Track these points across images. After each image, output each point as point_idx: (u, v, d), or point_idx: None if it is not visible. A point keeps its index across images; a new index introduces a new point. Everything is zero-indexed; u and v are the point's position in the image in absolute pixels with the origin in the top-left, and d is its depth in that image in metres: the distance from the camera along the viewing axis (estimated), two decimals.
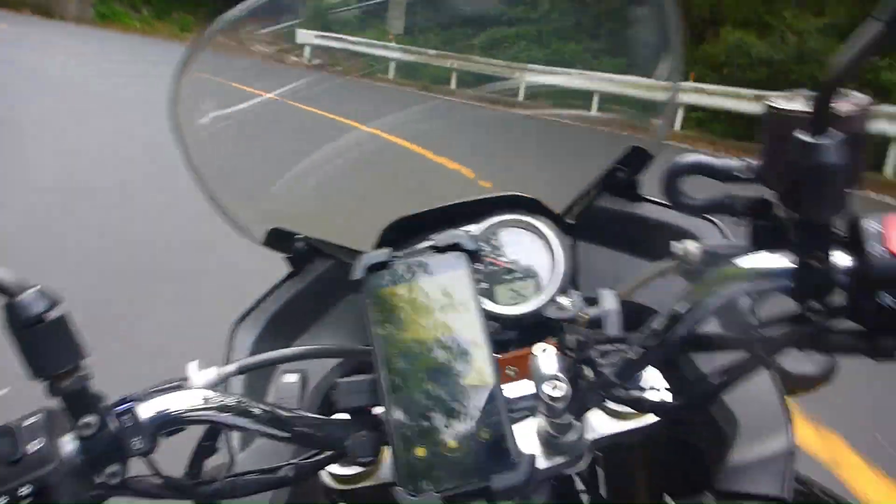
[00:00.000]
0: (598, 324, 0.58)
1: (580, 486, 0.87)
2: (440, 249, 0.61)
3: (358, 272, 0.61)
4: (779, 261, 0.54)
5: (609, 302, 0.59)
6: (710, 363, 0.74)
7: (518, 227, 0.93)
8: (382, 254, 0.61)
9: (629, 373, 0.59)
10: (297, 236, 0.93)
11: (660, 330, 0.57)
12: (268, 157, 0.99)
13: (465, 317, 0.59)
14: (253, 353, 0.90)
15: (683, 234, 0.88)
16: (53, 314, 0.50)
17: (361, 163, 1.02)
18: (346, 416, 0.61)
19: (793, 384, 0.78)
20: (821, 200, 0.51)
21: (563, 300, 0.58)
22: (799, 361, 0.86)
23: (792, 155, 0.51)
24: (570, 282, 0.91)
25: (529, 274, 0.92)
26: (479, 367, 0.57)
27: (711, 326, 0.63)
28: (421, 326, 0.59)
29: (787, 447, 0.67)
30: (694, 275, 0.67)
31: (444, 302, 0.59)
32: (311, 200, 1.02)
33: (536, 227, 0.92)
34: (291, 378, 0.87)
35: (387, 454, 0.73)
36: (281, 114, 0.94)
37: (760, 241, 0.60)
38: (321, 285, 0.95)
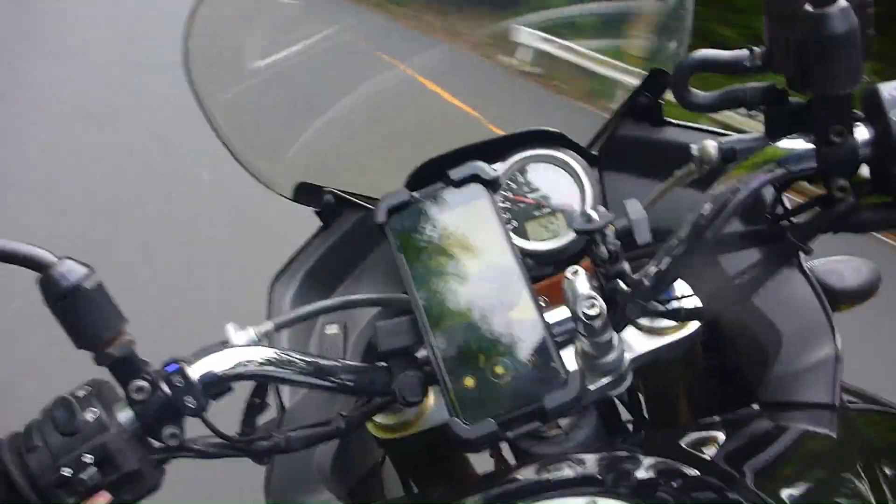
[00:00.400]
0: (627, 234, 0.58)
1: (623, 413, 0.88)
2: (458, 183, 0.61)
3: (379, 216, 0.61)
4: (799, 144, 0.54)
5: (635, 210, 0.58)
6: (736, 265, 0.74)
7: (544, 162, 0.93)
8: (401, 194, 0.62)
9: (663, 282, 0.59)
10: (325, 189, 0.93)
11: (687, 235, 0.57)
12: (291, 109, 0.99)
13: (494, 245, 0.59)
14: (293, 309, 0.92)
15: None
16: (89, 283, 0.50)
17: (382, 110, 1.02)
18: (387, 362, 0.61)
19: (835, 299, 0.77)
20: (835, 73, 0.50)
21: (591, 212, 0.58)
22: (841, 276, 0.85)
23: (799, 32, 0.50)
24: None
25: (558, 208, 0.92)
26: (515, 293, 0.58)
27: (735, 226, 0.63)
28: (451, 261, 0.59)
29: (832, 354, 0.67)
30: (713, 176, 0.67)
31: (471, 234, 0.60)
32: (336, 152, 1.02)
33: (563, 161, 0.92)
34: (332, 329, 0.88)
35: (431, 400, 0.75)
36: (300, 65, 0.93)
37: (777, 130, 0.59)
38: (353, 237, 0.96)
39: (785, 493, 0.52)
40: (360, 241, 0.96)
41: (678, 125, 0.91)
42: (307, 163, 0.96)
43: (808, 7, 0.49)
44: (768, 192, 0.63)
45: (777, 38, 0.56)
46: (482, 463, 0.83)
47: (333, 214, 0.96)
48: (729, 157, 0.62)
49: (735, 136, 0.62)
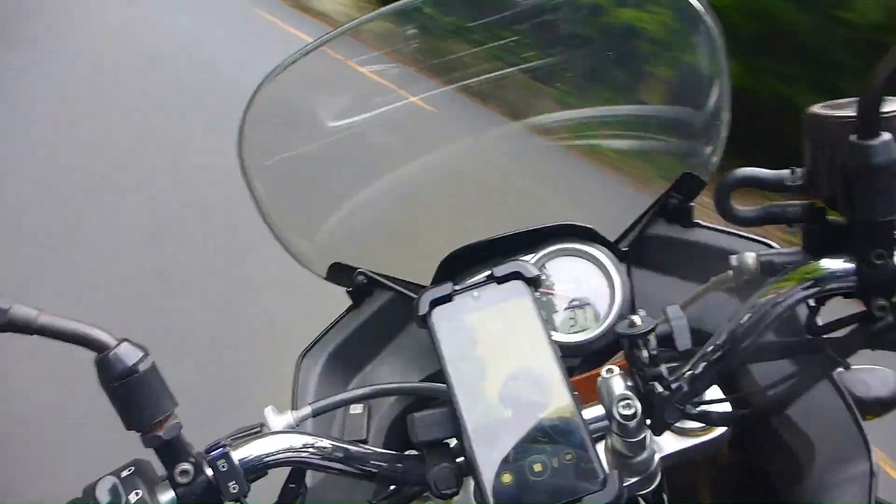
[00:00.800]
0: (668, 340, 0.58)
1: None
2: (501, 279, 0.62)
3: (422, 308, 0.62)
4: (838, 263, 0.55)
5: (677, 316, 0.59)
6: (769, 374, 0.75)
7: (573, 256, 0.95)
8: (444, 288, 0.63)
9: (699, 387, 0.59)
10: (357, 270, 0.95)
11: (724, 342, 0.58)
12: (328, 191, 1.02)
13: (534, 343, 0.60)
14: (319, 386, 0.92)
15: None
16: (144, 366, 0.51)
17: (417, 196, 1.05)
18: (417, 450, 0.61)
19: (865, 409, 0.77)
20: (876, 201, 0.52)
21: (634, 317, 0.59)
22: (867, 385, 0.85)
23: (842, 159, 0.52)
24: (630, 308, 0.92)
25: (586, 302, 0.93)
26: (554, 391, 0.58)
27: (769, 336, 0.64)
28: (492, 356, 0.60)
29: (867, 469, 0.67)
30: (750, 287, 0.68)
31: (511, 330, 0.60)
32: (370, 234, 1.04)
33: (593, 255, 0.94)
34: (357, 409, 0.88)
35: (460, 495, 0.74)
36: (343, 148, 0.96)
37: (815, 248, 0.61)
38: (382, 318, 0.97)
39: None
40: (388, 322, 0.97)
41: (710, 228, 0.93)
42: (341, 243, 0.99)
43: (853, 138, 0.51)
44: (803, 309, 0.64)
45: (819, 161, 0.59)
46: None
47: (364, 294, 0.97)
48: (767, 270, 0.63)
49: (774, 249, 0.64)
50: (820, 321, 0.63)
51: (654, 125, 1.04)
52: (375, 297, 0.98)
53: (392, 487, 0.67)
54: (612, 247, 0.95)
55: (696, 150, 0.96)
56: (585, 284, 0.94)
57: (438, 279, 0.96)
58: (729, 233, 0.91)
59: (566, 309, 0.92)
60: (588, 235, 0.95)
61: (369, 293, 0.97)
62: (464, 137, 1.05)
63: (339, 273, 0.95)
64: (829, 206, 0.58)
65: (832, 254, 0.57)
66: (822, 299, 0.60)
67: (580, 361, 0.89)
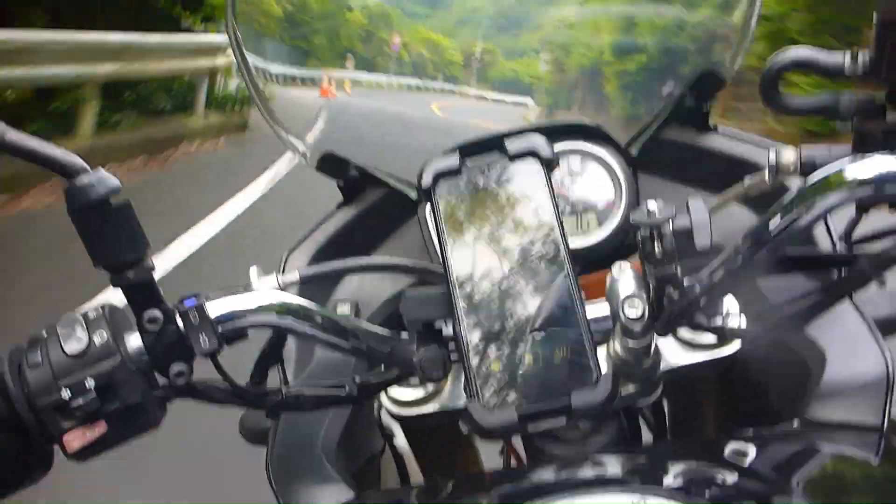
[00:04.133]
0: (686, 235, 0.53)
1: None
2: (515, 156, 0.58)
3: (426, 179, 0.58)
4: (891, 164, 0.48)
5: (698, 210, 0.53)
6: (790, 288, 0.71)
7: (579, 156, 0.90)
8: (451, 159, 0.58)
9: (714, 295, 0.55)
10: (351, 163, 0.90)
11: (748, 247, 0.53)
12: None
13: (543, 229, 0.56)
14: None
15: (752, 167, 0.83)
16: (117, 199, 0.47)
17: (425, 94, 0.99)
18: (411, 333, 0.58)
19: (890, 328, 0.73)
20: None
21: (651, 204, 0.53)
22: (875, 305, 0.81)
23: None
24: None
25: (592, 205, 0.88)
26: (559, 282, 0.54)
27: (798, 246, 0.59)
28: (496, 238, 0.56)
29: (882, 375, 0.63)
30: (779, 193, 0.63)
31: (522, 213, 0.56)
32: (367, 126, 0.99)
33: (600, 157, 0.88)
34: (344, 308, 0.85)
35: (449, 382, 0.71)
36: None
37: (867, 149, 0.54)
38: (374, 214, 0.93)
39: None
40: (381, 219, 0.93)
41: (728, 134, 0.88)
42: (336, 133, 0.93)
43: None
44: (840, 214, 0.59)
45: (887, 45, 0.52)
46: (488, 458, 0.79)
47: (356, 190, 0.92)
48: (808, 168, 0.57)
49: (817, 145, 0.58)
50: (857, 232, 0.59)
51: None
52: (368, 194, 0.93)
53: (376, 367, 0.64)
54: (621, 150, 0.90)
55: (717, 44, 0.89)
56: (592, 187, 0.89)
57: None
58: (749, 140, 0.86)
59: (569, 213, 0.88)
60: (597, 135, 0.90)
61: (362, 189, 0.93)
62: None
63: (331, 164, 0.90)
64: (890, 101, 0.51)
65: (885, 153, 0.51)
66: (866, 206, 0.55)
67: (581, 268, 0.85)
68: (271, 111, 0.86)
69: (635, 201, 0.87)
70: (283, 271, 0.87)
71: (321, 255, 0.89)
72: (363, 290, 0.88)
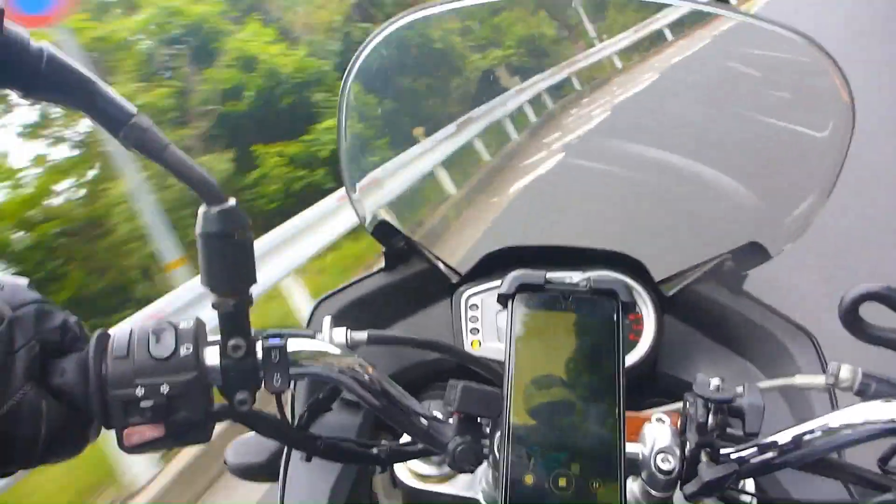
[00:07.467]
0: (737, 416, 0.55)
1: None
2: (597, 291, 0.60)
3: (506, 287, 0.61)
4: None
5: (755, 398, 0.55)
6: (814, 491, 0.71)
7: None
8: (537, 276, 0.61)
9: (743, 474, 0.56)
10: (401, 234, 0.96)
11: (791, 444, 0.55)
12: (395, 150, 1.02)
13: (606, 364, 0.58)
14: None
15: (777, 341, 0.86)
16: (243, 235, 0.50)
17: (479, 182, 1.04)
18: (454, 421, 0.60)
19: None
20: None
21: (715, 380, 0.56)
22: None
23: None
24: (653, 354, 0.89)
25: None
26: (608, 417, 0.56)
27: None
28: (561, 359, 0.58)
29: None
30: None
31: (590, 344, 0.59)
32: (425, 205, 1.04)
33: (635, 290, 0.91)
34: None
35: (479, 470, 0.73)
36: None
37: None
38: (411, 287, 0.97)
39: None
40: (416, 292, 0.97)
41: (758, 302, 0.90)
42: (395, 204, 0.99)
43: None
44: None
45: None
46: None
47: (399, 259, 0.97)
48: (864, 390, 0.58)
49: (881, 375, 0.59)
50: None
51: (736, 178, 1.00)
52: (409, 266, 0.98)
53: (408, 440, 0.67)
54: (656, 289, 0.93)
55: (770, 221, 0.92)
56: None
57: (476, 272, 0.96)
58: (777, 314, 0.88)
59: None
60: (635, 269, 0.93)
61: (405, 260, 0.98)
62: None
63: (383, 232, 0.96)
64: None
65: None
66: None
67: None
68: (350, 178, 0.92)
69: (657, 341, 0.89)
70: (313, 318, 0.92)
71: (349, 311, 0.94)
72: (382, 348, 0.91)
